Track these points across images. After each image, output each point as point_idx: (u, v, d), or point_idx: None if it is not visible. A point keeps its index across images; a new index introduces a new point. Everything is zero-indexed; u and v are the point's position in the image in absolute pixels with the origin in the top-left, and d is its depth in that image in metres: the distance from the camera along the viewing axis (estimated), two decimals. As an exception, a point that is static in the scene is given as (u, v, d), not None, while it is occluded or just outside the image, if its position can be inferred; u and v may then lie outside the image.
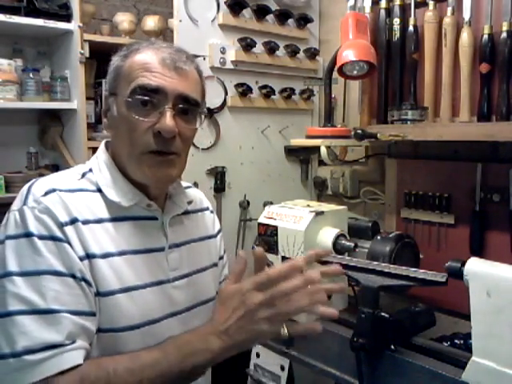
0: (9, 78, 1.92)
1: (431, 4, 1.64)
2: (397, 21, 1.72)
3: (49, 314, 0.79)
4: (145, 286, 0.91)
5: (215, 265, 1.13)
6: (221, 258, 1.17)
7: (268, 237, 1.29)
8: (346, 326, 1.21)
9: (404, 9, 1.72)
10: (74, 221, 0.85)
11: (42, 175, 2.07)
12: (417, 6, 1.69)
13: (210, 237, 1.13)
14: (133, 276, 0.90)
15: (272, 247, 1.28)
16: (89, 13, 2.23)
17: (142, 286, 0.91)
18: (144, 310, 0.90)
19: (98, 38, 2.14)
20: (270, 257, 1.27)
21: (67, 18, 2.00)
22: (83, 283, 0.83)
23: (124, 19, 2.31)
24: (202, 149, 1.81)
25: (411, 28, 1.69)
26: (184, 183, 1.16)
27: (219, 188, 1.87)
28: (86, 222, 0.87)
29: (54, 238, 0.83)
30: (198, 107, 0.94)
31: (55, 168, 2.25)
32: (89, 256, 0.85)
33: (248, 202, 1.95)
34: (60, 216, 0.84)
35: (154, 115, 0.89)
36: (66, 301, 0.81)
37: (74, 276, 0.83)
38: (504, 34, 1.49)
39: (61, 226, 0.84)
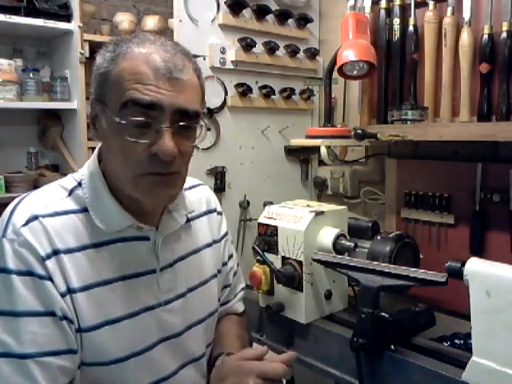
0: (9, 78, 1.92)
1: (431, 4, 1.64)
2: (397, 21, 1.72)
3: (24, 358, 0.76)
4: (131, 316, 0.87)
5: (219, 272, 1.08)
6: (224, 264, 1.12)
7: (268, 237, 1.29)
8: (346, 325, 1.21)
9: (404, 9, 1.72)
10: (56, 252, 0.80)
11: (42, 175, 2.10)
12: (417, 5, 1.69)
13: (213, 242, 1.07)
14: (118, 306, 0.86)
15: (272, 247, 1.28)
16: (89, 13, 2.24)
17: (127, 316, 0.86)
18: (130, 341, 0.87)
19: (97, 37, 2.15)
20: (270, 257, 1.27)
21: (67, 17, 2.01)
22: (64, 322, 0.80)
23: (124, 19, 2.32)
24: (202, 149, 1.81)
25: (411, 28, 1.69)
26: (191, 181, 1.09)
27: (219, 188, 1.87)
28: (68, 252, 0.82)
29: (33, 274, 0.78)
30: (198, 119, 0.85)
31: (55, 168, 2.26)
32: (70, 291, 0.81)
33: (248, 202, 1.95)
34: (41, 249, 0.79)
35: (149, 135, 0.80)
36: (42, 342, 0.77)
37: (53, 314, 0.79)
38: (504, 34, 1.48)
39: (42, 260, 0.78)
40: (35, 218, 0.81)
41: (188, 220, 1.01)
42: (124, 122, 0.79)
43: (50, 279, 0.79)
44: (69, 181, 0.90)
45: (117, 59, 0.82)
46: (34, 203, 0.84)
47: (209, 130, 0.96)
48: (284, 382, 0.93)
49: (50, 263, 0.79)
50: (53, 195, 0.86)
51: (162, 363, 0.92)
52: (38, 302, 0.78)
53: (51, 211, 0.83)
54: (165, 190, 0.85)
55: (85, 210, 0.86)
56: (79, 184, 0.88)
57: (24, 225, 0.80)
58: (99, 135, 0.87)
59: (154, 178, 0.82)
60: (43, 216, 0.81)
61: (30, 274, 0.78)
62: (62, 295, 0.80)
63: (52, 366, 0.78)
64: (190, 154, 0.87)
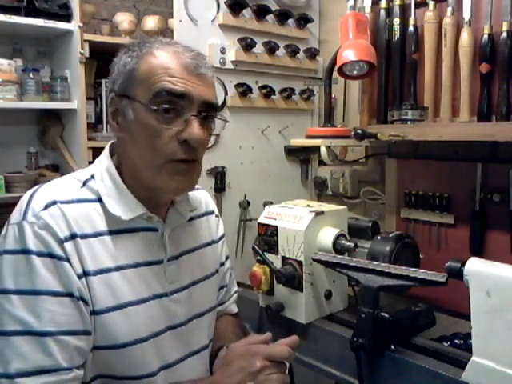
0: (9, 78, 1.91)
1: (431, 4, 1.64)
2: (397, 21, 1.72)
3: (43, 336, 0.79)
4: (141, 302, 0.90)
5: (217, 271, 1.12)
6: (222, 264, 1.16)
7: (268, 237, 1.29)
8: (346, 326, 1.21)
9: (404, 9, 1.73)
10: (73, 236, 0.84)
11: (42, 175, 2.10)
12: (417, 5, 1.69)
13: (212, 242, 1.12)
14: (129, 292, 0.89)
15: (272, 247, 1.28)
16: (89, 13, 2.23)
17: (138, 302, 0.90)
18: (139, 326, 0.89)
19: (97, 38, 2.14)
20: (270, 257, 1.27)
21: (67, 17, 2.00)
22: (80, 302, 0.83)
23: (124, 19, 2.31)
24: (202, 149, 1.81)
25: (411, 28, 1.69)
26: None
27: (219, 188, 1.87)
28: (84, 237, 0.85)
29: (52, 256, 0.81)
30: (217, 111, 0.94)
31: (55, 168, 2.25)
32: (85, 273, 0.84)
33: (248, 202, 1.95)
34: (60, 232, 0.82)
35: (178, 123, 0.87)
36: (61, 321, 0.80)
37: (71, 295, 0.82)
38: (504, 34, 1.49)
39: (61, 242, 0.82)
40: (54, 203, 0.85)
41: (191, 218, 1.06)
42: (156, 107, 0.85)
43: (68, 261, 0.82)
44: (81, 174, 0.95)
45: (145, 56, 0.89)
46: (51, 191, 0.88)
47: (227, 122, 1.06)
48: (287, 368, 0.94)
49: (68, 246, 0.83)
50: (68, 185, 0.91)
51: (168, 350, 0.95)
52: (57, 282, 0.81)
53: (68, 199, 0.87)
54: (188, 177, 0.91)
55: (99, 200, 0.90)
56: (92, 177, 0.93)
57: (43, 209, 0.83)
58: (121, 129, 0.91)
59: (180, 164, 0.88)
60: (61, 202, 0.85)
61: (49, 255, 0.81)
62: (79, 277, 0.83)
63: (70, 345, 0.81)
64: (207, 144, 0.94)
